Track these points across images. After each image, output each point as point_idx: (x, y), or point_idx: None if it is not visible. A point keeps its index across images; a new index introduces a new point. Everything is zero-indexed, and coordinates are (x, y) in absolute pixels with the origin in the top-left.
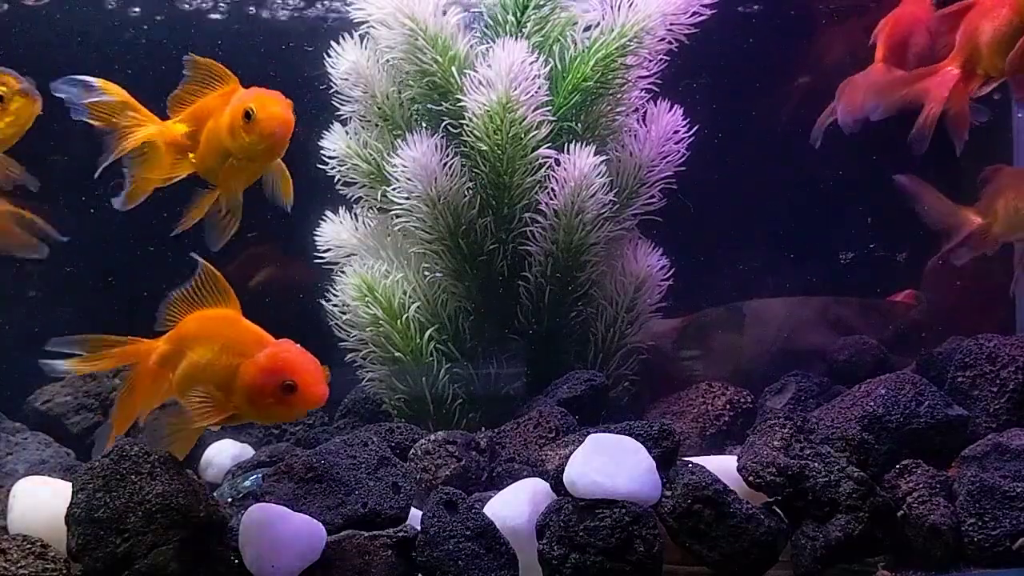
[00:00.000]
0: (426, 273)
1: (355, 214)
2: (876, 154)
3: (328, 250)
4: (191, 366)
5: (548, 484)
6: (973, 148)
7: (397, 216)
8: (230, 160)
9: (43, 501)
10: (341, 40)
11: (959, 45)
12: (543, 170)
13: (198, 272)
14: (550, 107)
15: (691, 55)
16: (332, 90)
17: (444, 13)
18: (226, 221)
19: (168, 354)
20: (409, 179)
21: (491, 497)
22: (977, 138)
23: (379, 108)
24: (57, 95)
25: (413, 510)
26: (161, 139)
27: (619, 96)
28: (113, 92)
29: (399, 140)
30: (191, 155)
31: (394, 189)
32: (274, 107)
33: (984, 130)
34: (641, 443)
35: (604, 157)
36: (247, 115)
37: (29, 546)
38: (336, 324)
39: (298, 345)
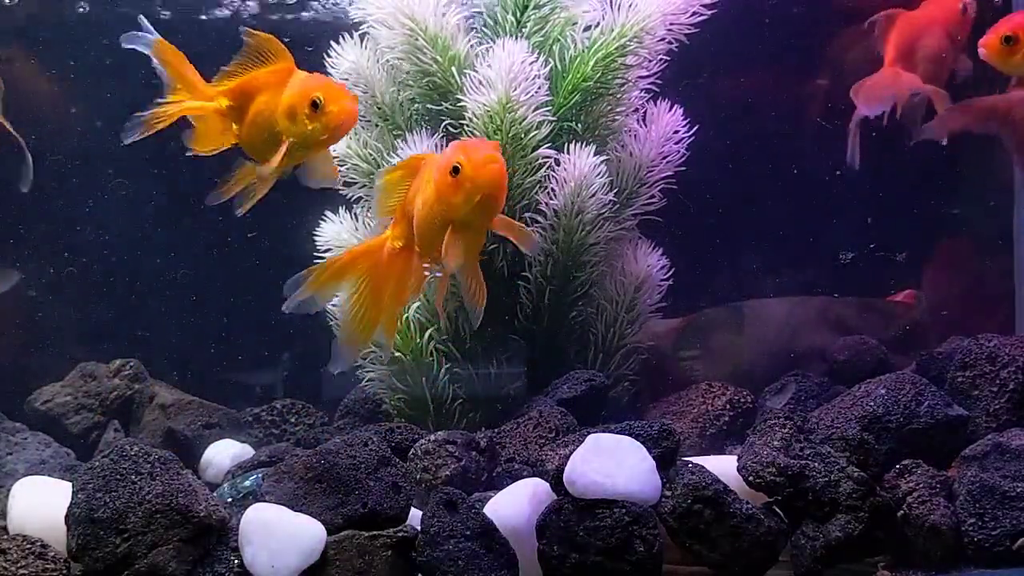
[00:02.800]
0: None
1: (355, 214)
2: (875, 154)
3: (328, 250)
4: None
5: (548, 484)
6: (972, 148)
7: None
8: (284, 142)
9: (43, 501)
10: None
11: None
12: (543, 170)
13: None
14: (550, 107)
15: (691, 53)
16: None
17: (444, 13)
18: (256, 188)
19: (398, 231)
20: None
21: (491, 497)
22: (976, 139)
23: (379, 108)
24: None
25: (413, 510)
26: (206, 110)
27: (619, 96)
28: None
29: (399, 140)
30: (235, 127)
31: None
32: (343, 98)
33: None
34: (641, 443)
35: (604, 157)
36: (314, 104)
37: (29, 546)
38: (336, 324)
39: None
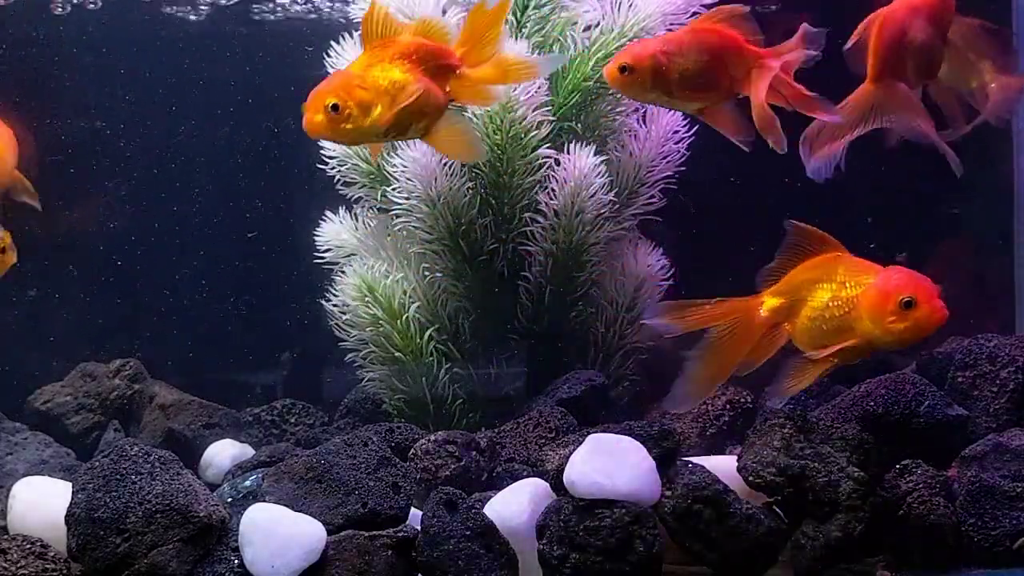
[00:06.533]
0: (426, 273)
1: (355, 214)
2: (876, 154)
3: (328, 250)
4: (813, 310)
5: (548, 484)
6: (972, 148)
7: (397, 216)
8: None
9: (43, 501)
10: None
11: None
12: (543, 170)
13: (790, 233)
14: (550, 107)
15: None
16: None
17: (444, 13)
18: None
19: (782, 306)
20: (409, 179)
21: (491, 497)
22: (976, 138)
23: None
24: None
25: (413, 510)
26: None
27: (619, 96)
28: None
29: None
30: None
31: (394, 189)
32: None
33: (983, 130)
34: (641, 443)
35: (604, 157)
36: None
37: (29, 546)
38: (336, 324)
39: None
